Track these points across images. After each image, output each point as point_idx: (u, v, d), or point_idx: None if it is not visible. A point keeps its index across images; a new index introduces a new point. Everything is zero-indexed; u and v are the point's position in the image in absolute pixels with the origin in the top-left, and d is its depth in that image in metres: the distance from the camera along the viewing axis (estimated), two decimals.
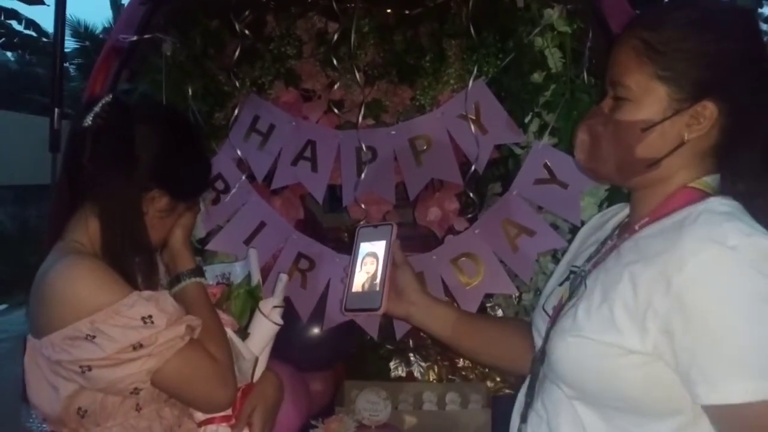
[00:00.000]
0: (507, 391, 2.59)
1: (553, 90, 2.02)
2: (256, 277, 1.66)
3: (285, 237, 2.23)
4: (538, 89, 2.04)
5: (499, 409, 2.37)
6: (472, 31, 2.08)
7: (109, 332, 1.25)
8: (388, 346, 2.69)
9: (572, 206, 2.01)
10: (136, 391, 1.30)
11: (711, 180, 1.09)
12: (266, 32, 2.23)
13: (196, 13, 2.18)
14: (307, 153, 2.22)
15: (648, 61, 1.06)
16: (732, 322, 0.94)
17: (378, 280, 1.27)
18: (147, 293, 1.32)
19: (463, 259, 2.14)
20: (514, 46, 2.07)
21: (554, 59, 2.02)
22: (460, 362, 2.66)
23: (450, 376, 2.70)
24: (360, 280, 1.29)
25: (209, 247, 2.20)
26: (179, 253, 1.49)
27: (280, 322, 1.59)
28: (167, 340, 1.29)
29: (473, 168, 2.12)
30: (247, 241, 2.18)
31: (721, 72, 1.04)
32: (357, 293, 1.29)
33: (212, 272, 1.70)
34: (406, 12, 2.20)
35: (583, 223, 1.92)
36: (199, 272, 1.50)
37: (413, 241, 2.37)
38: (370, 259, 1.30)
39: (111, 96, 1.40)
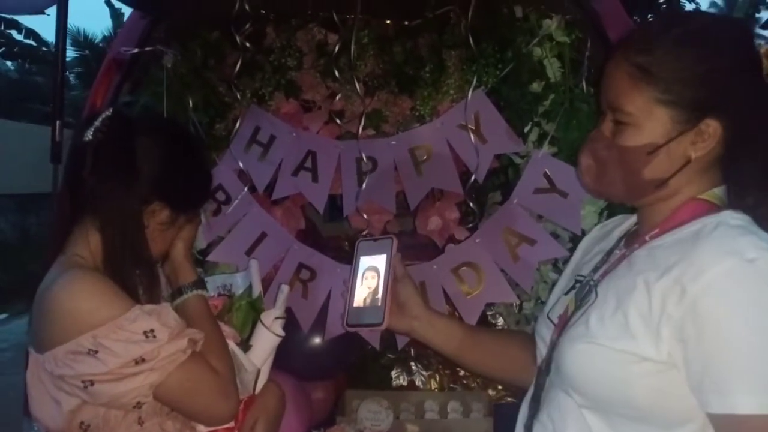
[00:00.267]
0: (509, 399, 2.59)
1: (552, 99, 2.03)
2: (258, 289, 1.66)
3: (286, 247, 2.23)
4: (537, 99, 2.04)
5: (501, 418, 2.36)
6: (471, 41, 2.08)
7: (112, 347, 1.25)
8: (390, 355, 2.68)
9: (572, 215, 2.01)
10: (138, 405, 1.31)
11: (719, 191, 1.10)
12: (266, 44, 2.23)
13: (196, 25, 2.19)
14: (308, 163, 2.23)
15: (646, 86, 1.06)
16: (746, 334, 0.95)
17: (380, 295, 1.26)
18: (149, 307, 1.33)
19: (464, 268, 2.14)
20: (513, 56, 2.08)
21: (553, 69, 2.03)
22: (462, 371, 2.66)
23: (452, 385, 2.69)
24: (361, 294, 1.28)
25: (210, 258, 2.21)
26: (180, 265, 1.50)
27: (282, 333, 1.59)
28: (169, 354, 1.29)
29: (473, 177, 2.12)
30: (249, 252, 2.19)
31: (720, 88, 1.05)
32: (358, 308, 1.28)
33: (213, 283, 1.71)
34: (406, 23, 2.21)
35: (583, 232, 1.94)
36: (200, 285, 1.50)
37: (414, 250, 2.37)
38: (371, 273, 1.29)
39: (111, 110, 1.41)
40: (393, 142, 2.22)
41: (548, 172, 2.05)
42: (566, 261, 1.96)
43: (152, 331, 1.28)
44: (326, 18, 2.20)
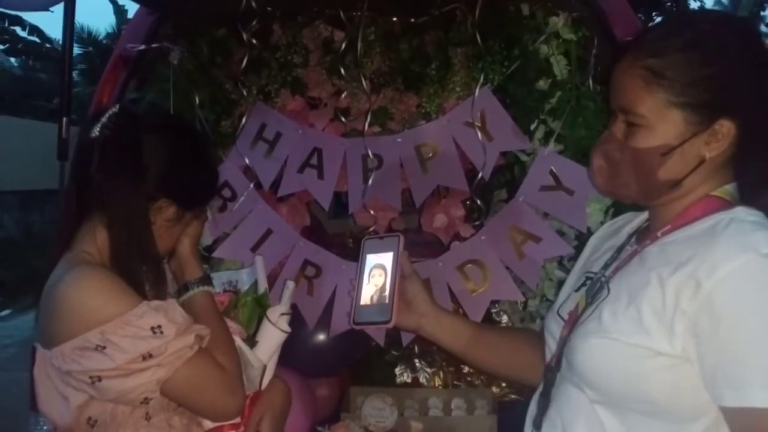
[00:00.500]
0: (513, 396, 2.59)
1: (559, 97, 2.03)
2: (263, 285, 1.66)
3: (291, 244, 2.23)
4: (544, 96, 2.04)
5: (505, 415, 2.37)
6: (478, 38, 2.08)
7: (119, 343, 1.26)
8: (394, 352, 2.68)
9: (578, 213, 2.01)
10: (146, 401, 1.31)
11: (730, 188, 1.11)
12: (273, 41, 2.24)
13: (203, 22, 2.19)
14: (314, 160, 2.23)
15: (658, 88, 1.06)
16: (761, 328, 0.96)
17: (387, 293, 1.26)
18: (156, 303, 1.33)
19: (469, 265, 2.14)
20: (519, 54, 2.08)
21: (560, 66, 2.03)
22: (466, 368, 2.66)
23: (455, 382, 2.70)
24: (368, 292, 1.28)
25: (216, 254, 2.21)
26: (187, 261, 1.50)
27: (288, 329, 1.59)
28: (176, 350, 1.29)
29: (479, 175, 2.12)
30: (254, 249, 2.19)
31: (733, 89, 1.06)
32: (366, 306, 1.28)
33: (219, 279, 1.71)
34: (412, 20, 2.21)
35: (589, 230, 1.94)
36: (206, 281, 1.50)
37: (419, 247, 2.37)
38: (378, 271, 1.29)
39: (118, 106, 1.41)
40: (399, 140, 2.22)
41: (554, 170, 2.05)
42: (572, 258, 1.97)
43: (159, 327, 1.29)
44: (332, 15, 2.21)
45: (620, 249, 1.22)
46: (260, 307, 1.60)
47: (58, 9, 2.18)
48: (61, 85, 2.13)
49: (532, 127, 2.08)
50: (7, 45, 13.42)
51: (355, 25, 2.15)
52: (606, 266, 1.20)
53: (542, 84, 2.04)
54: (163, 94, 2.09)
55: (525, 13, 2.08)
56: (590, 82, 2.01)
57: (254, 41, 2.17)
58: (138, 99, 2.10)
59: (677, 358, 1.01)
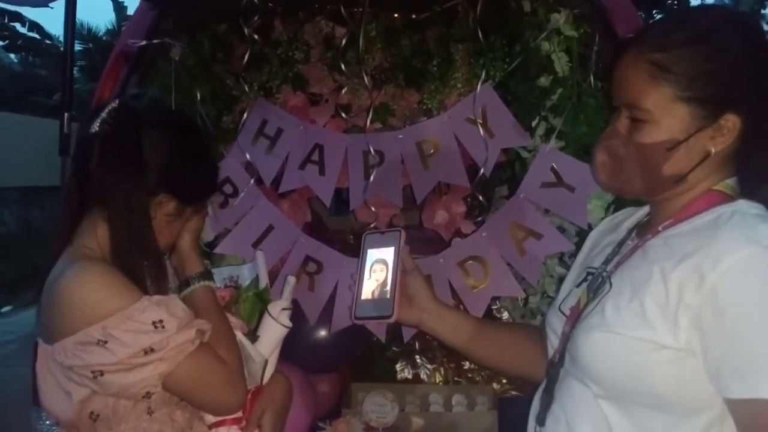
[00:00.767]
0: (513, 393, 2.60)
1: (560, 94, 2.02)
2: (264, 280, 1.66)
3: (293, 240, 2.23)
4: (545, 93, 2.04)
5: (506, 411, 2.38)
6: (480, 35, 2.08)
7: (121, 337, 1.26)
8: (395, 348, 2.69)
9: (579, 209, 2.01)
10: (147, 395, 1.31)
11: (731, 182, 1.11)
12: (274, 37, 2.24)
13: (204, 17, 2.19)
14: (315, 156, 2.23)
15: (664, 83, 1.07)
16: (766, 319, 0.96)
17: (388, 287, 1.26)
18: (157, 298, 1.33)
19: (470, 262, 2.14)
20: (521, 51, 2.08)
21: (561, 63, 2.02)
22: (467, 364, 2.67)
23: (456, 378, 2.71)
24: (369, 287, 1.28)
25: (218, 250, 2.21)
26: (187, 256, 1.50)
27: (289, 324, 1.60)
28: (178, 344, 1.30)
29: (481, 171, 2.12)
30: (256, 244, 2.19)
31: (738, 83, 1.06)
32: (367, 301, 1.27)
33: (220, 275, 1.71)
34: (414, 16, 2.21)
35: (590, 226, 1.94)
36: (207, 276, 1.50)
37: (420, 244, 2.37)
38: (379, 266, 1.28)
39: (117, 102, 1.40)
40: (400, 136, 2.22)
41: (555, 167, 2.05)
42: (572, 255, 1.97)
43: (161, 321, 1.29)
44: (334, 11, 2.20)
45: (621, 244, 1.22)
46: (261, 302, 1.60)
47: (58, 5, 2.19)
48: (62, 79, 2.13)
49: (534, 123, 2.08)
50: (7, 41, 13.41)
51: (356, 21, 2.15)
52: (607, 261, 1.21)
53: (543, 81, 2.04)
54: (164, 89, 2.09)
55: (526, 9, 2.08)
56: (591, 78, 2.01)
57: (255, 37, 2.17)
58: (139, 94, 2.09)
59: (681, 351, 1.02)
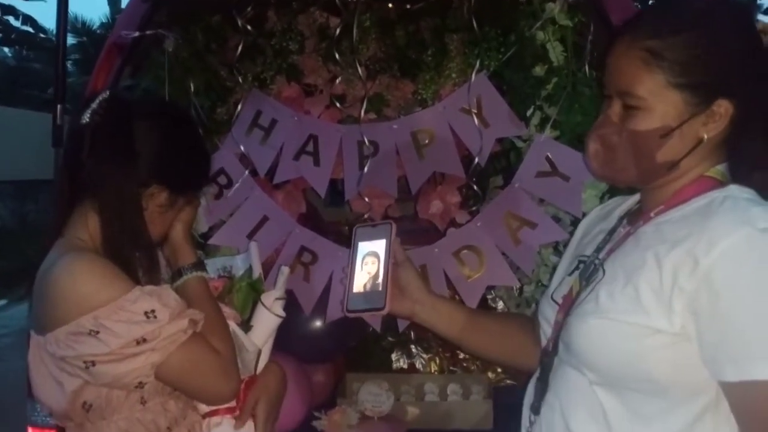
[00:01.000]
0: (508, 382, 2.61)
1: (555, 83, 2.02)
2: (258, 270, 1.66)
3: (288, 231, 2.23)
4: (540, 83, 2.04)
5: (501, 400, 2.38)
6: (474, 25, 2.08)
7: (113, 327, 1.25)
8: (390, 338, 2.70)
9: (574, 198, 2.02)
10: (140, 385, 1.31)
11: (721, 168, 1.11)
12: (268, 27, 2.23)
13: (197, 8, 2.18)
14: (309, 147, 2.23)
15: (658, 69, 1.07)
16: (761, 302, 0.96)
17: (380, 280, 1.25)
18: (149, 288, 1.33)
19: (465, 251, 2.14)
20: (515, 40, 2.08)
21: (556, 53, 2.02)
22: (462, 354, 2.67)
23: (451, 368, 2.71)
24: (361, 280, 1.27)
25: (212, 241, 2.21)
26: (180, 247, 1.49)
27: (282, 314, 1.59)
28: (170, 334, 1.29)
29: (476, 161, 2.12)
30: (250, 236, 2.19)
31: (731, 69, 1.06)
32: (359, 293, 1.27)
33: (213, 266, 1.71)
34: (408, 6, 2.20)
35: (584, 215, 1.94)
36: (200, 266, 1.50)
37: (415, 234, 2.37)
38: (371, 259, 1.28)
39: (108, 92, 1.39)
40: (395, 126, 2.21)
41: (550, 156, 2.05)
42: (567, 244, 1.97)
43: (153, 311, 1.28)
44: (328, 1, 2.20)
45: (612, 231, 1.22)
46: (255, 291, 1.60)
47: None
48: (55, 70, 2.12)
49: (529, 113, 2.07)
50: (1, 35, 13.36)
51: (350, 11, 2.14)
52: (598, 249, 1.21)
53: (538, 70, 2.04)
54: (158, 81, 2.08)
55: None
56: (586, 68, 2.01)
57: (249, 28, 2.16)
58: (133, 86, 2.09)
59: (676, 335, 1.02)
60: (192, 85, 2.14)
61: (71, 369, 1.29)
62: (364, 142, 2.18)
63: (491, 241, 2.12)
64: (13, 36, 13.58)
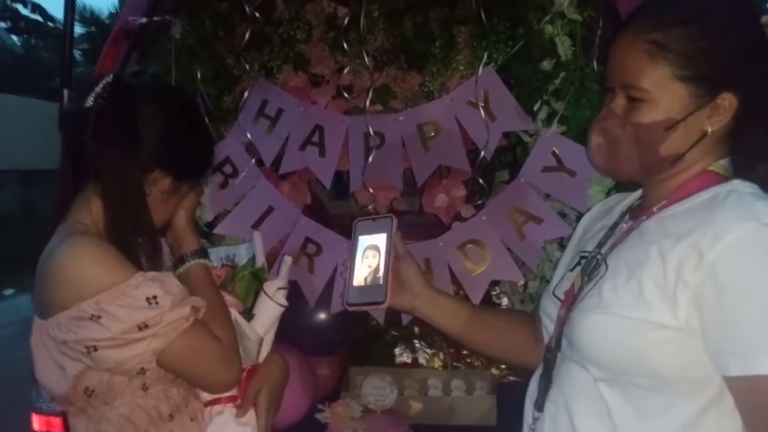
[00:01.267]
0: (512, 378, 2.61)
1: (563, 78, 2.01)
2: (261, 259, 1.65)
3: (293, 222, 2.23)
4: (548, 77, 2.03)
5: (504, 396, 2.38)
6: (483, 17, 2.06)
7: (115, 313, 1.25)
8: (393, 333, 2.69)
9: (580, 194, 2.00)
10: (142, 371, 1.31)
11: (724, 162, 1.11)
12: (275, 16, 2.22)
13: None
14: (315, 138, 2.22)
15: (663, 62, 1.06)
16: (766, 296, 0.96)
17: (381, 273, 1.24)
18: (152, 274, 1.32)
19: (470, 246, 2.14)
20: (524, 33, 2.07)
21: (564, 47, 2.01)
22: (465, 349, 2.67)
23: (455, 363, 2.71)
24: (361, 273, 1.27)
25: (217, 230, 2.21)
26: (183, 234, 1.49)
27: (285, 303, 1.59)
28: (172, 321, 1.29)
29: (482, 155, 2.11)
30: (255, 226, 2.18)
31: (735, 62, 1.05)
32: (359, 287, 1.26)
33: (217, 254, 1.71)
34: None
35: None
36: (203, 253, 1.49)
37: (420, 227, 2.37)
38: (371, 252, 1.27)
39: (111, 76, 1.38)
40: (401, 118, 2.20)
41: (557, 151, 2.04)
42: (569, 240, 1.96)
43: (155, 297, 1.28)
44: None
45: (614, 227, 1.22)
46: (257, 280, 1.59)
47: None
48: (62, 57, 2.11)
49: (536, 107, 2.06)
50: (9, 23, 13.39)
51: (358, 1, 2.13)
52: (600, 245, 1.20)
53: (546, 64, 2.03)
54: (164, 68, 2.08)
55: None
56: (594, 63, 1.99)
57: (257, 15, 2.15)
58: (140, 72, 2.08)
59: (680, 330, 1.01)
60: (198, 73, 2.14)
61: (73, 353, 1.29)
62: (370, 134, 2.18)
63: (496, 236, 2.12)
64: (21, 24, 13.60)
